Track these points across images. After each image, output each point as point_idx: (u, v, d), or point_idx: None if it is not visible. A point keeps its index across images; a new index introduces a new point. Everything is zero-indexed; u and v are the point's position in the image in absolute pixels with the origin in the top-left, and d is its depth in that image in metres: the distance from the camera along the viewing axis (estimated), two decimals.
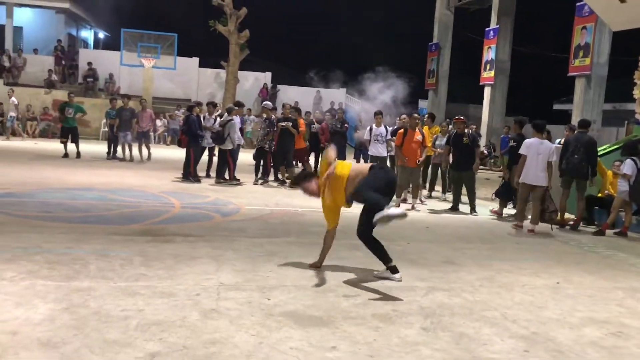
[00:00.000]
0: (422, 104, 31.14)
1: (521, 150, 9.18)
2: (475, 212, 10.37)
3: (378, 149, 12.58)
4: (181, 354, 3.59)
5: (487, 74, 23.05)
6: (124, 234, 6.87)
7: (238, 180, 12.45)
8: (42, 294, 4.50)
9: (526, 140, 9.32)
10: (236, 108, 12.94)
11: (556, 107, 30.04)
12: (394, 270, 5.59)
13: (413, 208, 10.49)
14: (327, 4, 36.96)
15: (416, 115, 11.11)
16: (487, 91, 23.16)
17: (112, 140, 16.16)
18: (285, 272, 5.63)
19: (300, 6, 35.28)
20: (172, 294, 4.70)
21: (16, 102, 20.99)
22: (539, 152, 8.99)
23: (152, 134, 19.72)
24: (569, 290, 5.75)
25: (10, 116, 20.81)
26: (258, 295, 4.84)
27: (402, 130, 10.91)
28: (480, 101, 24.52)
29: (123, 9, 29.03)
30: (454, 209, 10.58)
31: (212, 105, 13.65)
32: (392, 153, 12.39)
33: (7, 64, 25.94)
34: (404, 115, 11.81)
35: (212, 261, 5.84)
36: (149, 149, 15.95)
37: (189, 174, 12.26)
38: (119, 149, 15.94)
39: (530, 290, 5.61)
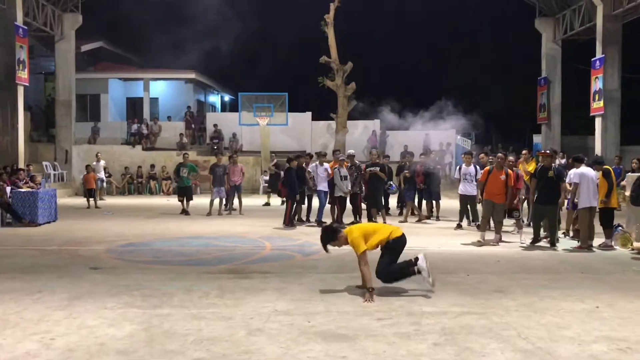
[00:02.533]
0: (537, 138, 30.57)
1: (575, 179, 10.53)
2: (554, 246, 10.42)
3: (467, 188, 13.11)
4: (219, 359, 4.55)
5: (597, 105, 22.43)
6: (213, 272, 8.06)
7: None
8: (130, 318, 5.70)
9: (582, 171, 10.45)
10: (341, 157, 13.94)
11: None
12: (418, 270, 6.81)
13: (496, 243, 10.79)
14: (431, 47, 37.83)
15: (501, 154, 11.50)
16: (597, 122, 22.51)
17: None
18: (335, 300, 6.43)
19: (405, 52, 36.46)
20: (230, 318, 5.70)
21: (105, 165, 23.59)
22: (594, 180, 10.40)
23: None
24: (605, 313, 5.98)
25: (105, 178, 23.19)
26: (301, 318, 5.70)
27: (488, 167, 11.39)
28: None
29: (240, 74, 31.84)
30: (535, 242, 10.70)
31: (308, 156, 14.87)
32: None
33: (145, 131, 29.39)
34: (482, 154, 12.25)
35: (276, 292, 6.80)
36: (240, 201, 16.76)
37: (286, 220, 13.43)
38: (216, 202, 16.73)
39: (563, 314, 5.93)
